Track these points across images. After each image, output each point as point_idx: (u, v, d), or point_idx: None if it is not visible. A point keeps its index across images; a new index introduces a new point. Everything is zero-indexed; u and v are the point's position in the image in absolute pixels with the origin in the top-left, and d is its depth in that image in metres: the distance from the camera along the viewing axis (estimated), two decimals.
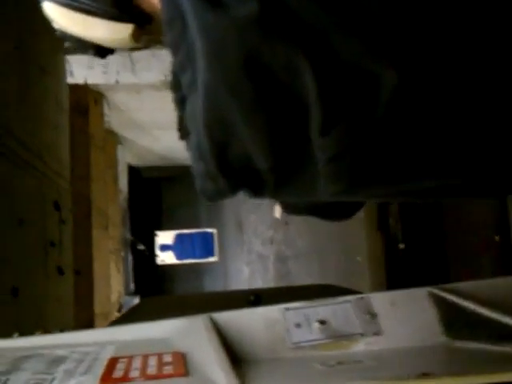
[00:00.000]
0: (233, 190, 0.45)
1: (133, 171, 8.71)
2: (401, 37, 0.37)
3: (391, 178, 0.43)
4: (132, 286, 8.49)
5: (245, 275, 7.89)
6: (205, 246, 9.44)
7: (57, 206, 2.96)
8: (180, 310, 1.36)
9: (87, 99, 4.46)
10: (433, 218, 2.32)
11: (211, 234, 9.49)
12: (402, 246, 2.46)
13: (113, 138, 6.45)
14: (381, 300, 0.93)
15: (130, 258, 8.48)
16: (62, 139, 3.21)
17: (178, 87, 0.44)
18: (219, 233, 9.49)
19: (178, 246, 9.42)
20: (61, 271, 3.02)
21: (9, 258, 2.12)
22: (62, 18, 0.49)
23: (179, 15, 0.40)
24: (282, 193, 0.45)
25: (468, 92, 0.39)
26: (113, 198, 6.22)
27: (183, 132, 0.46)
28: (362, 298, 0.92)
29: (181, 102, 0.44)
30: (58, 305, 2.92)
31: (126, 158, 7.92)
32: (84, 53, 0.54)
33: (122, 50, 0.53)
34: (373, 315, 0.89)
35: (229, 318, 0.85)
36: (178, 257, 9.40)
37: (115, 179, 6.56)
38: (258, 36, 0.36)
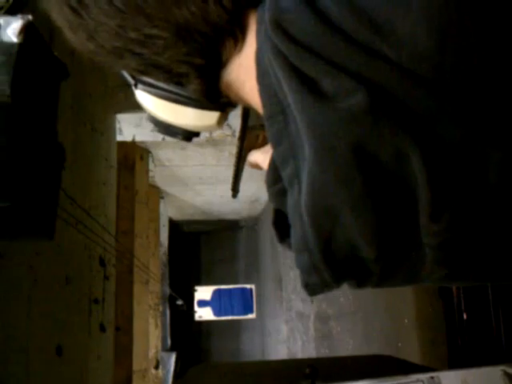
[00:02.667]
0: (337, 281, 0.43)
1: (173, 225, 8.80)
2: (505, 117, 0.37)
3: (496, 263, 0.42)
4: (169, 342, 8.40)
5: (283, 334, 7.69)
6: (243, 302, 9.30)
7: (102, 262, 2.98)
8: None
9: (134, 155, 4.57)
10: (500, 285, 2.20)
11: (250, 290, 9.36)
12: (465, 315, 2.35)
13: (156, 193, 6.56)
14: (451, 379, 0.86)
15: (168, 313, 8.44)
16: (109, 195, 3.26)
17: (277, 180, 0.45)
18: (257, 289, 9.36)
19: (215, 302, 9.32)
20: (103, 328, 3.00)
21: (55, 317, 2.11)
22: (153, 107, 0.52)
23: (281, 110, 0.41)
24: (387, 281, 0.44)
25: None
26: (154, 253, 6.25)
27: (280, 229, 0.48)
28: (432, 377, 0.85)
29: (280, 195, 0.45)
30: (98, 363, 2.88)
31: (167, 212, 8.02)
32: (172, 137, 0.56)
33: (206, 132, 0.55)
34: None
35: None
36: (216, 313, 9.28)
37: (157, 233, 6.62)
38: (367, 127, 0.37)
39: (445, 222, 0.38)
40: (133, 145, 4.39)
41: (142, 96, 0.52)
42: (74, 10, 0.46)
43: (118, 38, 0.46)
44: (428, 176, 0.37)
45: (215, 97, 0.50)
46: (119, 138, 3.91)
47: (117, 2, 0.44)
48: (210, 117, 0.52)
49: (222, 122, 0.53)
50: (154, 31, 0.44)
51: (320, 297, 5.94)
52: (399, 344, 3.76)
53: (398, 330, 3.79)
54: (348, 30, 0.37)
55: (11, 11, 0.86)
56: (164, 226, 7.84)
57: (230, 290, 9.38)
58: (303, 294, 6.54)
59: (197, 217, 9.24)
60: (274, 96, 0.41)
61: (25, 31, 0.82)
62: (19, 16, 0.84)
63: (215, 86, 0.49)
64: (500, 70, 0.36)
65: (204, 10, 0.43)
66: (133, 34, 0.45)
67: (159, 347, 7.02)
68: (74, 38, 0.49)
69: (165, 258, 7.95)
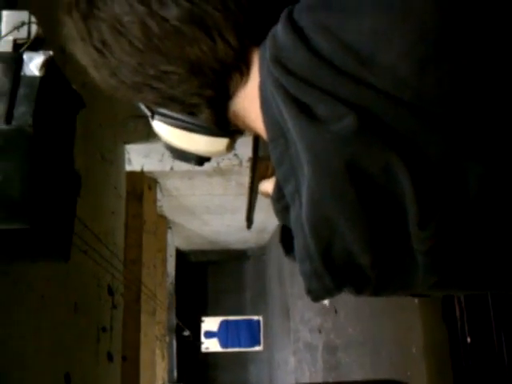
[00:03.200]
0: (338, 286, 0.48)
1: (180, 255, 8.81)
2: (483, 134, 0.42)
3: (473, 274, 0.46)
4: (175, 374, 8.32)
5: (291, 365, 7.61)
6: (250, 334, 9.21)
7: (110, 291, 3.00)
8: None
9: (142, 185, 4.63)
10: (502, 307, 2.24)
11: (257, 322, 9.28)
12: (468, 339, 2.39)
13: (163, 223, 6.60)
14: None
15: (175, 344, 8.37)
16: (118, 224, 3.31)
17: (281, 198, 0.50)
18: (265, 320, 9.29)
19: (222, 333, 9.24)
20: (110, 357, 3.00)
21: (63, 344, 2.13)
22: (169, 135, 0.58)
23: (282, 134, 0.47)
24: (383, 287, 0.48)
25: None
26: (161, 283, 6.26)
27: (286, 244, 0.53)
28: None
29: (284, 210, 0.50)
30: None
31: (174, 241, 8.05)
32: (186, 162, 0.62)
33: (216, 157, 0.60)
34: None
35: None
36: (223, 344, 9.19)
37: (164, 263, 6.64)
38: (357, 146, 0.42)
39: (432, 230, 0.42)
40: (141, 174, 4.45)
41: (158, 126, 0.58)
42: (98, 50, 0.52)
43: (138, 74, 0.52)
44: (414, 188, 0.42)
45: (224, 125, 0.56)
46: (128, 167, 3.98)
47: (137, 42, 0.50)
48: (220, 143, 0.58)
49: (230, 147, 0.59)
50: (170, 68, 0.51)
51: (328, 327, 5.89)
52: (408, 373, 3.72)
53: (407, 359, 3.76)
54: (338, 64, 0.43)
55: (32, 47, 0.92)
56: (171, 256, 7.85)
57: (237, 321, 9.31)
58: (311, 324, 6.49)
59: (204, 247, 9.25)
60: (276, 123, 0.47)
61: (46, 66, 0.88)
62: (41, 52, 0.90)
63: (224, 116, 0.55)
64: (473, 93, 0.41)
65: (213, 49, 0.49)
66: (151, 71, 0.51)
67: (166, 379, 6.96)
68: (97, 75, 0.55)
69: (171, 288, 7.94)
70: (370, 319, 4.52)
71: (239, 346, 9.15)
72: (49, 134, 0.92)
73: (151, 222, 5.04)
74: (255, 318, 9.35)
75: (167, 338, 7.20)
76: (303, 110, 0.44)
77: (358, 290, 0.48)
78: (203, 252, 9.63)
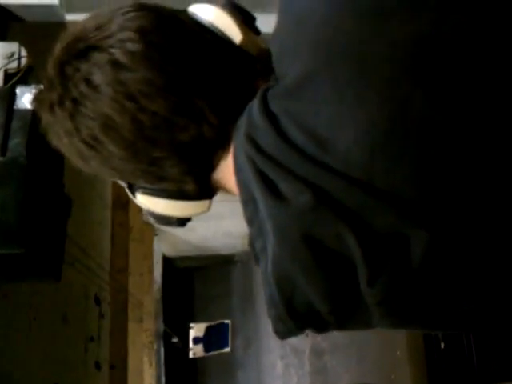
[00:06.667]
0: (300, 329, 0.55)
1: (166, 261, 8.79)
2: (430, 206, 0.48)
3: (428, 317, 0.52)
4: (163, 380, 8.28)
5: (278, 370, 7.64)
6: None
7: (97, 301, 3.03)
8: None
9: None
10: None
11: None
12: (442, 344, 2.53)
13: (150, 230, 6.59)
14: None
15: (162, 351, 8.34)
16: (104, 234, 3.34)
17: (254, 249, 0.57)
18: (253, 325, 9.31)
19: (208, 338, 9.26)
20: (98, 366, 3.03)
21: (52, 356, 2.16)
22: (153, 205, 0.63)
23: (252, 199, 0.54)
24: (343, 327, 0.55)
25: (489, 253, 0.49)
26: (148, 290, 6.26)
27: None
28: None
29: (256, 259, 0.58)
30: None
31: (161, 248, 8.03)
32: (169, 226, 0.68)
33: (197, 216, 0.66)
34: None
35: None
36: (207, 349, 9.21)
37: (151, 270, 6.63)
38: (312, 219, 0.49)
39: (380, 287, 0.49)
40: None
41: (141, 198, 0.63)
42: (88, 144, 0.56)
43: (130, 163, 0.58)
44: (362, 252, 0.48)
45: (207, 191, 0.64)
46: None
47: (128, 135, 0.54)
48: (202, 205, 0.65)
49: (211, 205, 0.66)
50: (162, 154, 0.56)
51: None
52: (392, 376, 3.79)
53: (391, 363, 3.83)
54: (300, 146, 0.50)
55: (23, 77, 0.97)
56: (158, 262, 7.83)
57: (216, 325, 9.35)
58: None
59: (191, 252, 9.23)
60: (247, 188, 0.54)
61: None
62: (33, 86, 0.95)
63: (207, 184, 0.62)
64: (418, 173, 0.47)
65: (200, 132, 0.56)
66: (143, 158, 0.57)
67: None
68: (83, 164, 0.60)
69: (159, 295, 7.92)
70: None
71: (216, 349, 9.18)
72: (41, 163, 0.97)
73: (137, 229, 5.04)
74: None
75: (155, 345, 7.19)
76: (268, 184, 0.51)
77: (320, 331, 0.55)
78: (190, 258, 9.60)
